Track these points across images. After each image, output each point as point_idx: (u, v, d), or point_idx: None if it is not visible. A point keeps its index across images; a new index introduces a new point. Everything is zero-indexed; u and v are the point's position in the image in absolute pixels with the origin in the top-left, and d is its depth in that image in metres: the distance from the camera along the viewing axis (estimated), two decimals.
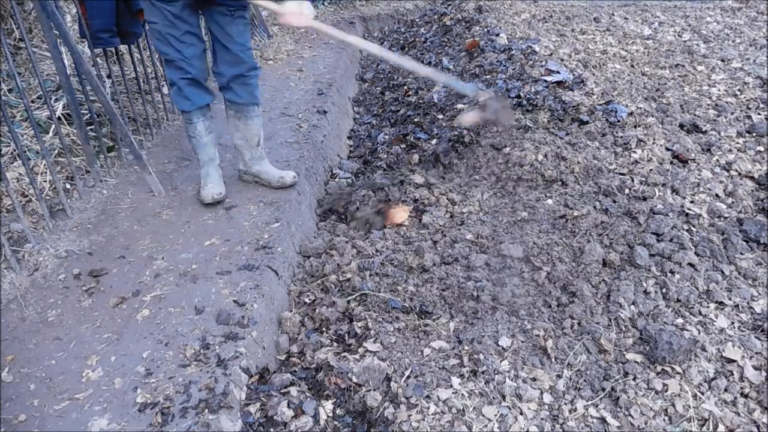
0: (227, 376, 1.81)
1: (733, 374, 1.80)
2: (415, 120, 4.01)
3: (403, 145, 3.69)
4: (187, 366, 1.85)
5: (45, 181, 2.80)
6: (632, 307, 2.06)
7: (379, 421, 1.74)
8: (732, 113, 3.38)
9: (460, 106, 3.82)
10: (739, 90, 3.72)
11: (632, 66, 4.29)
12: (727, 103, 3.52)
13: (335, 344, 2.06)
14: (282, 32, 6.22)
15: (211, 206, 2.77)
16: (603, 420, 1.69)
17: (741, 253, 2.28)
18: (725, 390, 1.75)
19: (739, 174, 2.80)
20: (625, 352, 1.89)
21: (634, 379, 1.80)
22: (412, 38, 6.22)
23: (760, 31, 5.12)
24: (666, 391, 1.76)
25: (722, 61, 4.31)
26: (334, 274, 2.36)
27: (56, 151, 2.97)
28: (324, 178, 3.42)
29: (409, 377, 1.85)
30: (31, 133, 2.96)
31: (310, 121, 3.85)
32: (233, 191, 2.91)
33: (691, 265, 2.22)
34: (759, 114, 3.35)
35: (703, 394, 1.75)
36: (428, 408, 1.74)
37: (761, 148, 3.00)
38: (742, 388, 1.76)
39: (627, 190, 2.69)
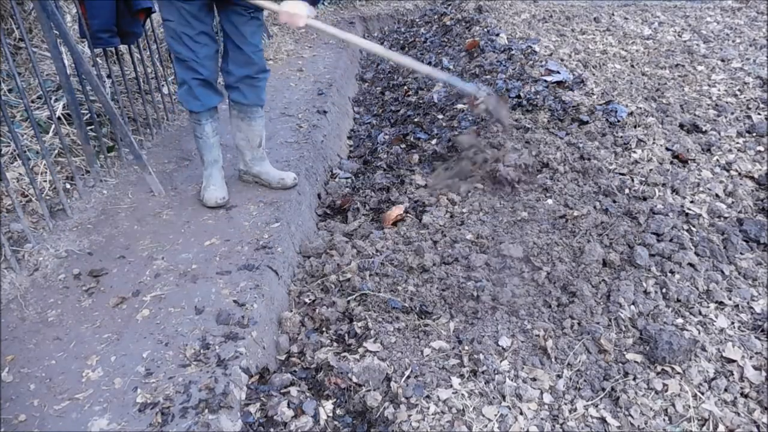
0: (227, 376, 1.81)
1: (733, 374, 1.80)
2: (415, 120, 4.01)
3: (403, 145, 3.69)
4: (187, 366, 1.85)
5: (45, 181, 2.80)
6: (632, 307, 2.06)
7: (379, 421, 1.74)
8: (732, 113, 3.38)
9: (460, 105, 3.82)
10: (739, 90, 3.72)
11: (632, 66, 4.29)
12: (727, 103, 3.52)
13: (335, 344, 2.06)
14: (282, 32, 6.22)
15: (212, 208, 2.77)
16: (603, 420, 1.69)
17: (741, 253, 2.28)
18: (725, 390, 1.75)
19: (739, 174, 2.80)
20: (625, 352, 1.89)
21: (634, 379, 1.80)
22: (412, 38, 6.22)
23: (760, 31, 5.12)
24: (666, 391, 1.76)
25: (722, 61, 4.31)
26: (334, 274, 2.36)
27: (56, 151, 2.97)
28: (324, 178, 3.42)
29: (409, 377, 1.85)
30: (31, 133, 2.96)
31: (310, 121, 3.85)
32: (233, 191, 2.91)
33: (691, 265, 2.22)
34: (759, 114, 3.36)
35: (703, 394, 1.75)
36: (428, 408, 1.74)
37: (761, 148, 3.00)
38: (742, 388, 1.76)
39: (627, 190, 2.69)
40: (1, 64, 3.14)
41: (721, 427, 1.65)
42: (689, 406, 1.71)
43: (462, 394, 1.78)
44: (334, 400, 1.84)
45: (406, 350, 1.97)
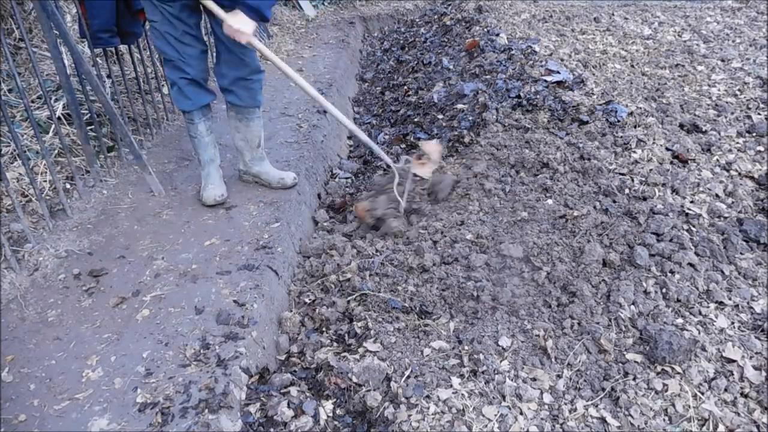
0: (227, 376, 1.81)
1: (733, 374, 1.80)
2: (415, 120, 4.01)
3: (403, 145, 3.69)
4: (187, 366, 1.85)
5: (45, 181, 2.80)
6: (632, 307, 2.06)
7: (379, 421, 1.74)
8: (732, 113, 3.38)
9: (460, 106, 3.82)
10: (739, 90, 3.72)
11: (632, 66, 4.29)
12: (727, 103, 3.51)
13: (335, 344, 2.06)
14: (282, 32, 6.23)
15: (211, 207, 2.77)
16: (603, 420, 1.69)
17: (741, 253, 2.28)
18: (725, 390, 1.75)
19: (739, 174, 2.80)
20: (625, 352, 1.89)
21: (634, 379, 1.80)
22: (412, 38, 6.22)
23: (760, 31, 5.12)
24: (666, 391, 1.76)
25: (722, 61, 4.31)
26: (334, 274, 2.36)
27: (56, 151, 2.97)
28: (324, 178, 3.42)
29: (409, 377, 1.85)
30: (31, 133, 2.96)
31: (310, 121, 3.85)
32: (233, 191, 2.91)
33: (691, 265, 2.22)
34: (759, 114, 3.35)
35: (703, 394, 1.75)
36: (428, 408, 1.74)
37: (761, 148, 3.00)
38: (742, 388, 1.76)
39: (627, 190, 2.69)
40: (1, 64, 3.14)
41: (721, 427, 1.65)
42: (689, 406, 1.71)
43: (462, 394, 1.78)
44: (334, 400, 1.84)
45: (406, 350, 1.97)
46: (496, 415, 1.71)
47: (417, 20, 7.10)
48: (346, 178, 3.47)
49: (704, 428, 1.66)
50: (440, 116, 3.87)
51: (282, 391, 1.87)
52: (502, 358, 1.91)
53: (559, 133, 3.19)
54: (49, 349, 1.93)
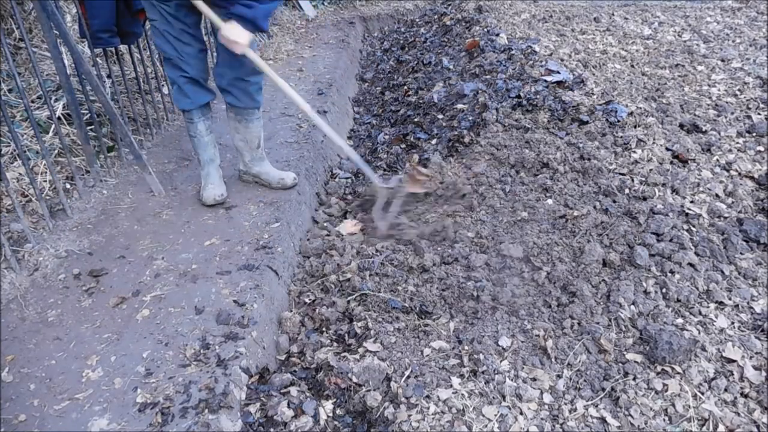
0: (227, 376, 1.81)
1: (733, 374, 1.80)
2: (415, 120, 4.01)
3: (403, 145, 3.69)
4: (187, 366, 1.85)
5: (45, 181, 2.80)
6: (632, 307, 2.06)
7: (379, 421, 1.74)
8: (732, 113, 3.38)
9: (460, 105, 3.81)
10: (739, 90, 3.72)
11: (632, 66, 4.29)
12: (727, 103, 3.51)
13: (335, 344, 2.06)
14: (282, 32, 6.22)
15: (211, 206, 2.77)
16: (603, 420, 1.69)
17: (741, 253, 2.28)
18: (725, 390, 1.76)
19: (739, 174, 2.80)
20: (625, 352, 1.89)
21: (634, 379, 1.80)
22: (412, 38, 6.21)
23: (760, 31, 5.12)
24: (666, 391, 1.76)
25: (722, 61, 4.31)
26: (334, 274, 2.36)
27: (56, 151, 2.97)
28: (324, 178, 3.42)
29: (409, 377, 1.85)
30: (31, 133, 2.96)
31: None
32: (233, 191, 2.91)
33: (691, 265, 2.22)
34: (759, 114, 3.35)
35: (703, 394, 1.75)
36: (428, 408, 1.74)
37: (761, 148, 3.00)
38: (742, 388, 1.76)
39: (627, 190, 2.69)
40: (1, 64, 3.14)
41: (721, 427, 1.65)
42: (689, 406, 1.71)
43: (462, 394, 1.78)
44: (334, 400, 1.84)
45: (406, 350, 1.97)
46: (496, 415, 1.71)
47: (417, 20, 7.10)
48: (346, 178, 3.47)
49: (704, 428, 1.66)
50: (440, 116, 3.87)
51: (282, 391, 1.87)
52: (502, 358, 1.91)
53: (559, 133, 3.19)
54: (49, 349, 1.93)
